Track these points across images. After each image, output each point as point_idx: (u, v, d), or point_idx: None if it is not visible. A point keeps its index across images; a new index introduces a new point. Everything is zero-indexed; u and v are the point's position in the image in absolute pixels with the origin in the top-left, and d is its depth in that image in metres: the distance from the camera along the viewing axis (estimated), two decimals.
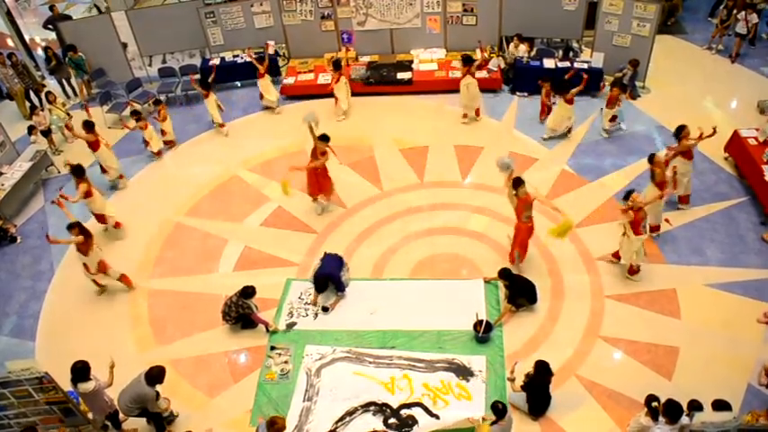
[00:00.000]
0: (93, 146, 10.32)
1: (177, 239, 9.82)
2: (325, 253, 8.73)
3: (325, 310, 8.36)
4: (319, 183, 9.69)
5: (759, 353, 7.45)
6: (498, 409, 6.17)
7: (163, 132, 11.83)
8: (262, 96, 12.62)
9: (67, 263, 9.57)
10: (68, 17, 14.81)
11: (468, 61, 11.41)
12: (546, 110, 11.72)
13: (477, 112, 11.90)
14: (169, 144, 12.03)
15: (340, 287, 8.43)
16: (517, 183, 8.02)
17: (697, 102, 12.14)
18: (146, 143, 11.49)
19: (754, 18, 12.82)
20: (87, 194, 9.19)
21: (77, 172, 9.18)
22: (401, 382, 7.35)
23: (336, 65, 11.97)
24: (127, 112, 12.88)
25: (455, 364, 7.52)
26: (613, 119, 11.14)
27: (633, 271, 8.46)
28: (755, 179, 9.52)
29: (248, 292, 7.87)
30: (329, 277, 8.37)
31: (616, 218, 9.34)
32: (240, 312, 7.93)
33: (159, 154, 11.69)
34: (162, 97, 13.27)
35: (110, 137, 11.81)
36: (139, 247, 9.70)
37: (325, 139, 9.32)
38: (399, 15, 13.35)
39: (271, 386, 7.47)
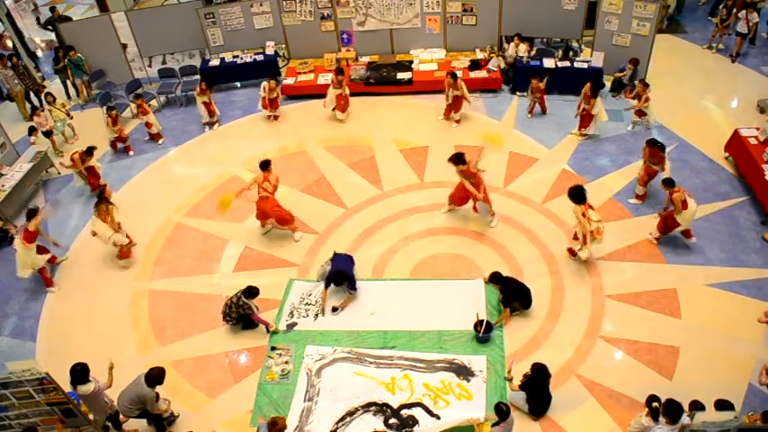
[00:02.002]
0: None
1: (178, 240, 9.83)
2: (335, 252, 8.71)
3: (334, 310, 8.34)
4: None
5: (760, 352, 7.45)
6: (502, 411, 6.18)
7: (147, 125, 11.97)
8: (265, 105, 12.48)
9: (68, 263, 9.59)
10: (68, 18, 14.83)
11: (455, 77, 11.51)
12: (534, 106, 11.83)
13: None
14: (155, 137, 12.16)
15: (353, 286, 8.36)
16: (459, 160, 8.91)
17: (697, 101, 12.16)
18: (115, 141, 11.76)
19: (755, 17, 12.82)
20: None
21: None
22: (402, 383, 7.35)
23: (340, 71, 11.96)
24: (128, 112, 12.95)
25: (455, 364, 7.52)
26: (641, 114, 11.14)
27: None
28: (756, 178, 9.51)
29: (251, 292, 7.88)
30: (343, 274, 8.25)
31: (619, 217, 9.37)
32: (241, 313, 7.93)
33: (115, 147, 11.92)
34: (162, 98, 13.34)
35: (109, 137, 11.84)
36: (140, 247, 9.68)
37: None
38: (399, 15, 13.36)
39: (271, 387, 7.47)
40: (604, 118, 11.04)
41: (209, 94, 12.12)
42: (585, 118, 11.09)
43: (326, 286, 8.33)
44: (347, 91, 12.08)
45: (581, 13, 12.75)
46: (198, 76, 13.48)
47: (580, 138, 11.25)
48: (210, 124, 12.44)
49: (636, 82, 11.52)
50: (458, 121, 11.88)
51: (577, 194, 8.33)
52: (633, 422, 6.28)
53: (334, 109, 12.21)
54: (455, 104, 11.71)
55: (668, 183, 8.47)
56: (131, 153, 11.87)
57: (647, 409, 6.13)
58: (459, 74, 11.75)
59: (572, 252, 8.83)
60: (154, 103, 13.21)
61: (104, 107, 11.82)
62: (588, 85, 10.73)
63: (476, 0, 13.00)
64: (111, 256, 9.56)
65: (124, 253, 9.36)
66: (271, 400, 7.32)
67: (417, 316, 8.16)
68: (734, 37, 13.37)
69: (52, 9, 15.50)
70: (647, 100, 10.86)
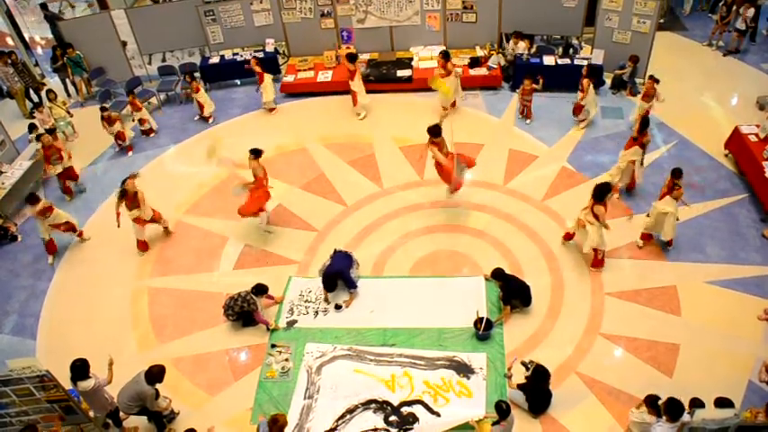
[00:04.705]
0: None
1: (177, 238, 9.82)
2: (335, 250, 8.70)
3: (338, 308, 8.34)
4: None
5: (759, 349, 7.45)
6: (502, 410, 6.18)
7: (141, 122, 12.03)
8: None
9: (68, 261, 9.59)
10: (60, 18, 14.84)
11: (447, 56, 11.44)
12: (524, 109, 11.71)
13: (455, 104, 12.05)
14: (148, 132, 12.20)
15: (351, 285, 8.38)
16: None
17: (697, 98, 12.15)
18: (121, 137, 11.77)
19: (750, 12, 12.81)
20: (47, 210, 9.18)
21: (30, 200, 9.11)
22: (402, 380, 7.35)
23: (353, 58, 11.87)
24: (127, 110, 12.93)
25: (455, 361, 7.52)
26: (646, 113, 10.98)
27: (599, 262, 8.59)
28: (756, 176, 9.50)
29: (261, 289, 7.95)
30: (339, 275, 8.32)
31: (619, 214, 9.36)
32: (244, 309, 7.93)
33: (130, 149, 11.88)
34: (162, 95, 13.32)
35: (109, 137, 11.82)
36: None
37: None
38: (399, 13, 13.34)
39: (271, 384, 7.48)
40: (593, 110, 11.18)
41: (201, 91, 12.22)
42: (577, 108, 11.26)
43: (325, 290, 8.38)
44: (358, 86, 12.01)
45: (581, 11, 12.71)
46: (197, 74, 13.49)
47: (581, 129, 11.29)
48: (205, 119, 12.48)
49: (639, 81, 11.47)
50: (445, 109, 11.86)
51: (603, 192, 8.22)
52: (633, 417, 6.28)
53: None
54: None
55: (677, 173, 8.35)
56: (130, 153, 11.85)
57: (645, 408, 6.14)
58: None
59: (568, 236, 8.94)
60: (154, 100, 13.21)
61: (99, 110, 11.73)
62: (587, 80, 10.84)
63: None
64: (112, 254, 9.58)
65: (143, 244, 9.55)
66: (271, 397, 7.33)
67: (417, 313, 8.16)
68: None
69: (44, 6, 15.45)
70: (649, 96, 10.78)
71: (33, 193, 9.27)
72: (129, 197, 8.96)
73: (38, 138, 10.62)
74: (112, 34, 13.28)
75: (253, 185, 9.19)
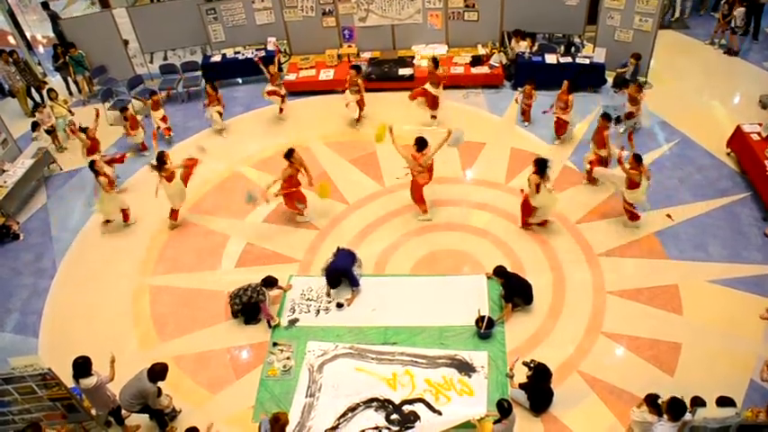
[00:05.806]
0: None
1: (179, 236, 9.83)
2: (338, 248, 8.71)
3: (339, 306, 8.34)
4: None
5: (761, 348, 7.44)
6: (504, 408, 6.18)
7: (164, 119, 11.91)
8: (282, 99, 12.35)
9: (70, 259, 9.61)
10: (60, 17, 14.89)
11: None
12: (525, 111, 11.61)
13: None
14: (166, 131, 12.09)
15: (353, 282, 8.40)
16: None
17: (699, 97, 12.13)
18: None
19: (738, 12, 12.80)
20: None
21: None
22: (403, 378, 7.35)
23: (359, 69, 11.81)
24: (131, 109, 12.95)
25: (457, 359, 7.52)
26: (630, 115, 10.83)
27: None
28: (758, 174, 9.49)
29: (270, 281, 8.02)
30: (342, 272, 8.34)
31: (621, 213, 9.34)
32: (252, 299, 7.95)
33: (145, 147, 11.78)
34: (163, 94, 13.32)
35: (112, 134, 11.81)
36: (142, 243, 9.71)
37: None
38: (400, 11, 13.33)
39: (273, 382, 7.49)
40: (576, 125, 11.06)
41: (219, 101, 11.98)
42: (560, 124, 10.95)
43: (329, 285, 8.40)
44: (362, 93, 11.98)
45: (583, 9, 12.72)
46: (199, 72, 13.49)
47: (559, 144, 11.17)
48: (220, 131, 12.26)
49: (642, 79, 11.45)
50: (434, 117, 11.79)
51: (542, 166, 8.59)
52: (635, 416, 6.28)
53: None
54: (431, 102, 11.57)
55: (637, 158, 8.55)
56: (147, 152, 11.77)
57: (646, 407, 6.14)
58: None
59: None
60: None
61: (119, 110, 11.61)
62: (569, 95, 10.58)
63: None
64: (114, 252, 9.59)
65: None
66: (272, 395, 7.33)
67: (419, 312, 8.16)
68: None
69: (45, 4, 15.47)
70: (637, 102, 10.63)
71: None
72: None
73: (83, 131, 10.52)
74: (114, 33, 13.31)
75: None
